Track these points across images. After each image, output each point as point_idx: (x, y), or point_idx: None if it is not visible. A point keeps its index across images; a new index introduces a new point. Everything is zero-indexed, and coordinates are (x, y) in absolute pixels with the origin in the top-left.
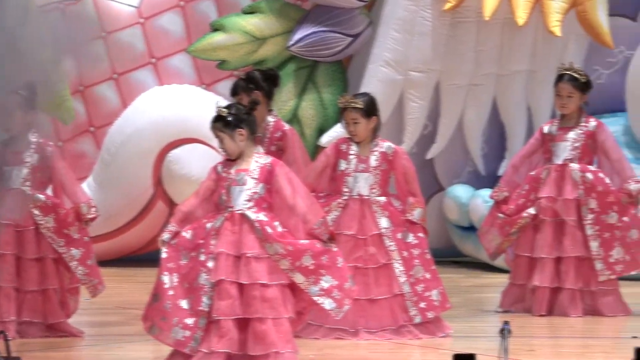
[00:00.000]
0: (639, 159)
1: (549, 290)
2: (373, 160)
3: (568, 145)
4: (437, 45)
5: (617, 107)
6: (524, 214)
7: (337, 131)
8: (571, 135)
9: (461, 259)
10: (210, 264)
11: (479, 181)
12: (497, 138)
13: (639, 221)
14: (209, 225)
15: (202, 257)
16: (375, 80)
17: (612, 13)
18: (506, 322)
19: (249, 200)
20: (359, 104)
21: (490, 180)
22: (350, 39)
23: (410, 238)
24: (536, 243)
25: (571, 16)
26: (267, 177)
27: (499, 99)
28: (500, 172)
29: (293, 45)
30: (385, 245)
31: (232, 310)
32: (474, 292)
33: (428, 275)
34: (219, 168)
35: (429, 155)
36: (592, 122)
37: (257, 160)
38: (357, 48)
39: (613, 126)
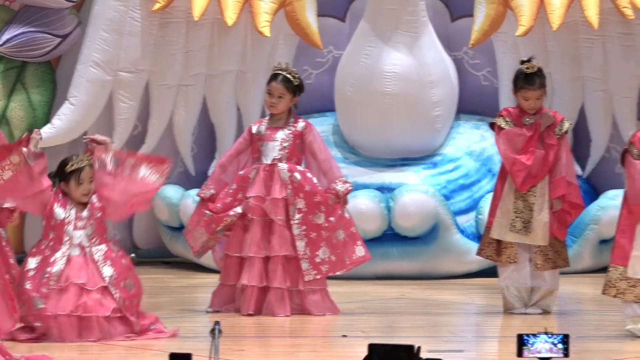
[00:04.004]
0: (348, 159)
1: (258, 289)
2: None
3: (277, 145)
4: (146, 46)
5: (326, 106)
6: (231, 212)
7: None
8: (280, 135)
9: (172, 260)
10: None
11: (189, 181)
12: (207, 138)
13: (346, 222)
14: None
15: None
16: (85, 80)
17: (321, 13)
18: (217, 322)
19: None
20: None
21: (200, 180)
22: (59, 39)
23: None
24: (245, 242)
25: (280, 16)
26: None
27: (209, 99)
28: (211, 172)
29: (1, 46)
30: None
31: None
32: (184, 293)
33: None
34: None
35: None
36: (301, 123)
37: None
38: (66, 48)
39: (322, 126)
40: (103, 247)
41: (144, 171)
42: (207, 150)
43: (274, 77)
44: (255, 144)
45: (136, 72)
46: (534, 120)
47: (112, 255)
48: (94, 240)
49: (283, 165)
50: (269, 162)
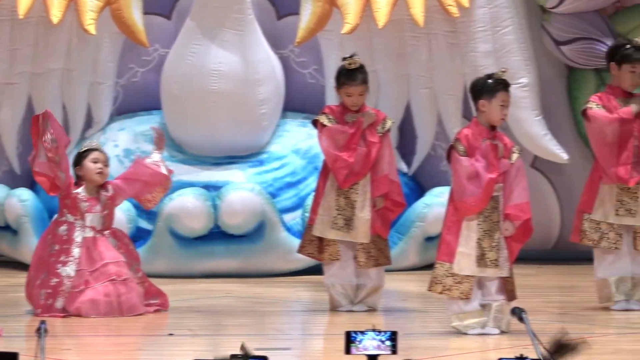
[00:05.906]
0: (174, 157)
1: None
2: None
3: (98, 216)
4: None
5: (152, 105)
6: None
7: None
8: (99, 207)
9: None
10: None
11: (14, 180)
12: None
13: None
14: None
15: None
16: None
17: (147, 11)
18: (42, 322)
19: None
20: None
21: (25, 179)
22: None
23: None
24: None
25: (106, 14)
26: None
27: (35, 97)
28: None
29: None
30: None
31: None
32: (9, 292)
33: None
34: None
35: None
36: (110, 187)
37: None
38: None
39: (148, 124)
40: None
41: None
42: (32, 148)
43: (96, 150)
44: (74, 202)
45: None
46: (356, 118)
47: None
48: None
49: (107, 233)
50: (91, 235)
